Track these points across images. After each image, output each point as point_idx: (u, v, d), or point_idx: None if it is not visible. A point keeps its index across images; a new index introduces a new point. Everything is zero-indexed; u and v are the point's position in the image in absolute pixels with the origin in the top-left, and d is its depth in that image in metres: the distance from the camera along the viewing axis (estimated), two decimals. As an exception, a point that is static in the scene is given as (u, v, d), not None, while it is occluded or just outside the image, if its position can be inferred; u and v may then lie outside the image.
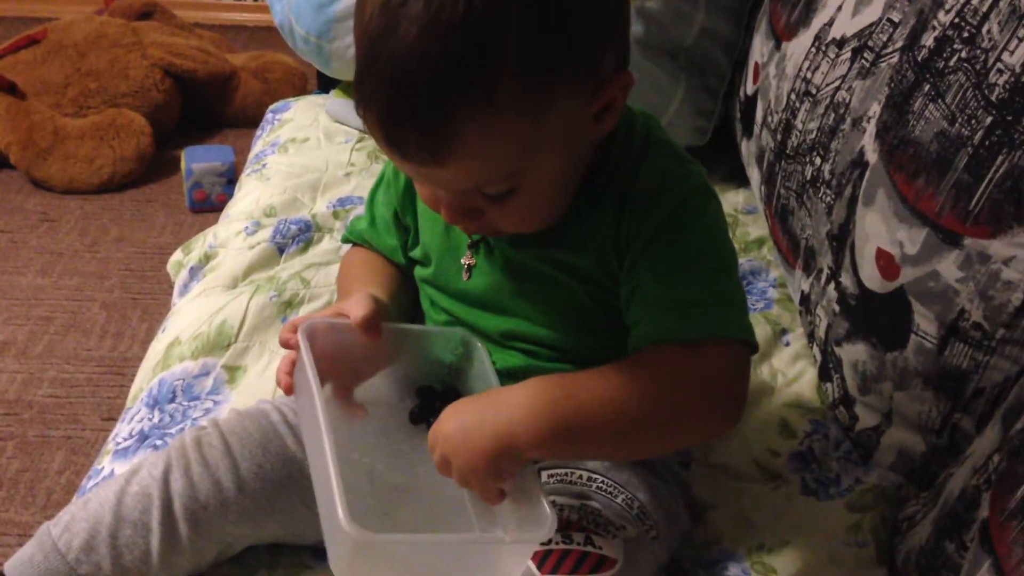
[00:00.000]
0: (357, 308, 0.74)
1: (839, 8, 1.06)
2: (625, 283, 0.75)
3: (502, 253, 0.79)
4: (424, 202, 0.75)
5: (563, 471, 0.81)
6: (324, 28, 1.46)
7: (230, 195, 2.10)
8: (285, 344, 0.75)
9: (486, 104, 0.62)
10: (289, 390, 0.75)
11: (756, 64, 1.28)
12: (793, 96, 1.12)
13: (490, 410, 0.68)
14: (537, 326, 0.79)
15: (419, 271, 0.87)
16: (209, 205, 2.23)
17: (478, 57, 0.61)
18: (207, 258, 1.21)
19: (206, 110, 2.57)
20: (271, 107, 1.67)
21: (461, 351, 0.79)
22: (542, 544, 0.72)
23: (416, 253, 0.87)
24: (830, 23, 1.08)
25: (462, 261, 0.81)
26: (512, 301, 0.79)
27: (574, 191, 0.75)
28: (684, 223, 0.73)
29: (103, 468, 0.92)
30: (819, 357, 1.03)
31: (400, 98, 0.62)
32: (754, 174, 1.28)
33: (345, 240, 0.95)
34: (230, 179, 2.21)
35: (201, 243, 1.24)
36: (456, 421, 0.67)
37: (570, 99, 0.66)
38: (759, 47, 1.28)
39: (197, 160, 2.21)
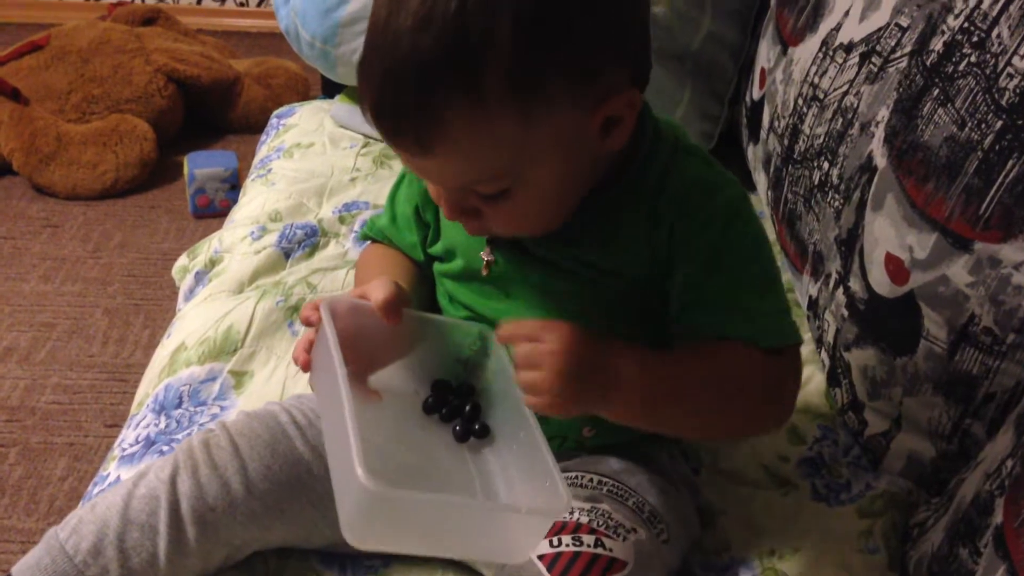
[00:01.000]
0: (378, 292, 0.74)
1: (846, 13, 1.06)
2: (682, 291, 0.76)
3: (524, 248, 0.79)
4: (432, 197, 0.76)
5: (573, 474, 0.80)
6: (330, 33, 1.46)
7: (233, 201, 2.10)
8: (306, 322, 0.75)
9: (472, 98, 0.62)
10: (307, 367, 0.75)
11: (762, 69, 1.28)
12: (800, 101, 1.12)
13: (605, 370, 0.69)
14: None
15: (439, 267, 0.87)
16: (212, 211, 2.22)
17: (466, 50, 0.62)
18: (212, 263, 1.20)
19: (209, 116, 2.57)
20: (276, 112, 1.67)
21: (479, 346, 0.79)
22: (552, 547, 0.71)
23: (437, 249, 0.87)
24: (837, 28, 1.08)
25: (481, 255, 0.81)
26: (534, 296, 0.79)
27: (580, 198, 0.75)
28: (738, 232, 0.75)
29: (109, 474, 0.91)
30: (827, 362, 1.03)
31: (392, 85, 0.63)
32: (760, 179, 1.27)
33: (364, 237, 0.95)
34: (233, 185, 2.21)
35: (206, 248, 1.24)
36: (574, 344, 0.68)
37: (564, 105, 0.66)
38: (765, 52, 1.28)
39: (200, 166, 2.21)
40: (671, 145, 0.77)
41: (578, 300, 0.78)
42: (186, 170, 2.23)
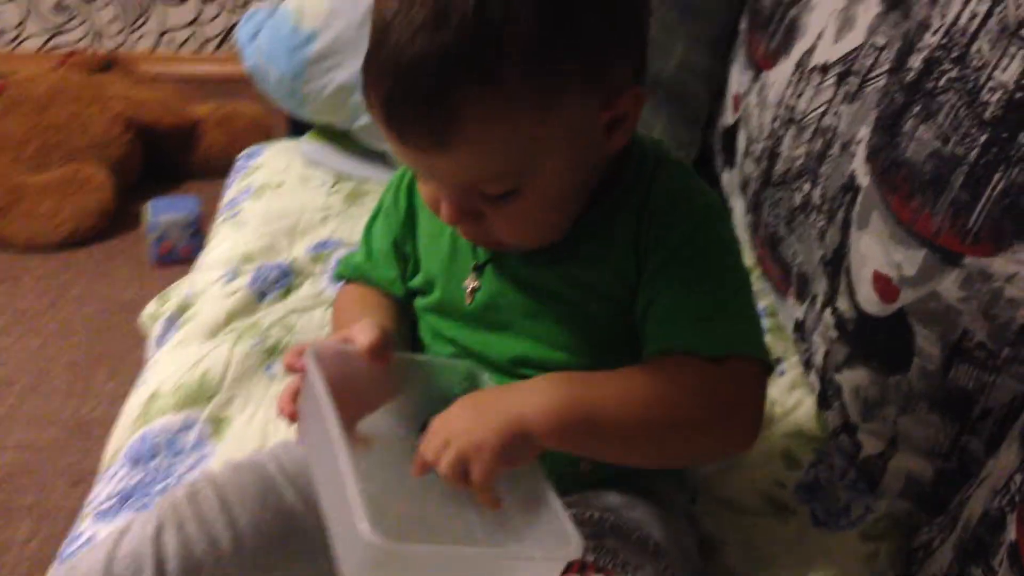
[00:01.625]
0: (364, 335, 0.72)
1: (820, 35, 1.07)
2: (642, 295, 0.74)
3: (513, 272, 0.77)
4: (426, 203, 0.74)
5: (574, 510, 0.77)
6: (299, 70, 1.45)
7: (196, 247, 2.05)
8: (290, 368, 0.73)
9: (489, 91, 0.62)
10: (293, 417, 0.73)
11: (735, 94, 1.28)
12: (777, 123, 1.12)
13: (505, 394, 0.68)
14: (551, 349, 0.76)
15: (420, 301, 0.85)
16: (175, 258, 2.18)
17: (485, 43, 0.61)
18: (183, 308, 1.17)
19: (169, 161, 2.53)
20: (243, 153, 1.64)
21: (468, 384, 0.76)
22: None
23: (417, 282, 0.85)
24: (811, 50, 1.08)
25: (465, 284, 0.79)
26: (524, 323, 0.77)
27: (579, 207, 0.74)
28: (704, 239, 0.73)
29: (83, 532, 0.87)
30: (817, 385, 1.02)
31: (405, 78, 0.62)
32: (738, 204, 1.27)
33: (340, 276, 0.92)
34: (195, 231, 2.18)
35: (177, 293, 1.21)
36: (467, 405, 0.67)
37: (578, 101, 0.66)
38: (737, 77, 1.28)
39: (161, 212, 2.17)
40: (655, 159, 0.76)
41: (568, 327, 0.76)
42: (147, 217, 2.19)
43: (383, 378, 0.74)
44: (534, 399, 0.67)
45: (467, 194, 0.69)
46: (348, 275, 0.90)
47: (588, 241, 0.75)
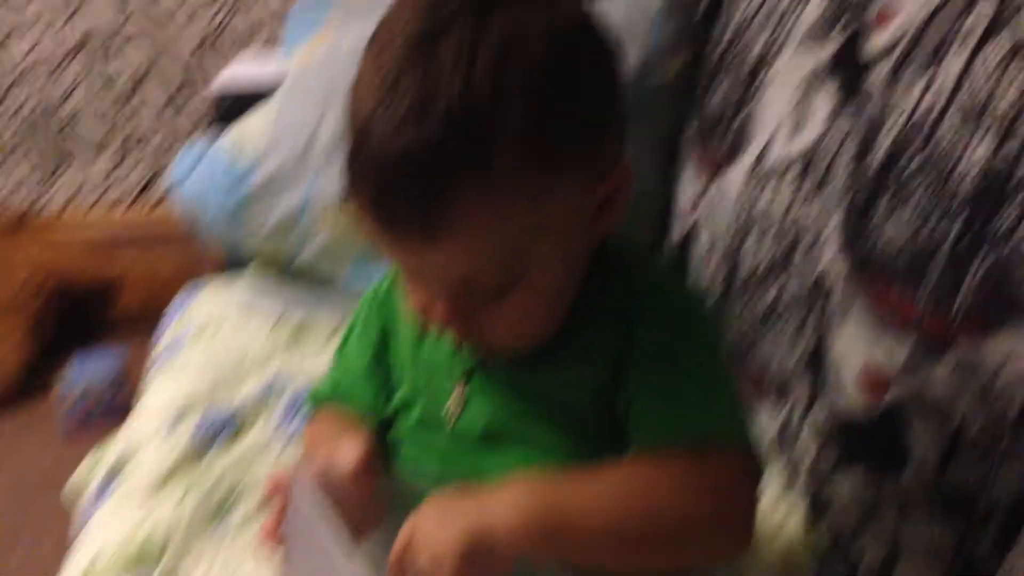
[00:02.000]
0: (350, 452, 0.69)
1: (774, 133, 1.07)
2: (622, 392, 0.71)
3: (500, 380, 0.74)
4: (416, 309, 0.70)
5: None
6: (238, 207, 1.41)
7: (120, 406, 1.95)
8: (273, 493, 0.70)
9: (482, 178, 0.60)
10: (279, 541, 0.69)
11: (688, 202, 1.27)
12: (736, 227, 1.11)
13: (470, 500, 0.64)
14: (545, 456, 0.72)
15: (400, 424, 0.80)
16: (97, 417, 2.07)
17: (475, 129, 0.59)
18: (120, 464, 1.08)
19: (88, 319, 2.44)
20: (179, 295, 1.57)
21: None
22: None
23: (397, 398, 0.80)
24: (767, 148, 1.08)
25: (450, 399, 0.75)
26: (515, 432, 0.73)
27: (568, 302, 0.71)
28: (684, 330, 0.72)
29: None
30: (806, 493, 0.98)
31: (392, 175, 0.60)
32: (699, 315, 1.25)
33: (313, 399, 0.87)
34: (119, 389, 2.09)
35: (112, 448, 1.12)
36: (435, 507, 0.64)
37: (571, 183, 0.65)
38: (688, 186, 1.28)
39: (83, 368, 2.08)
40: (630, 253, 0.76)
41: (561, 432, 0.73)
42: (67, 375, 2.09)
43: (369, 503, 0.70)
44: (502, 509, 0.63)
45: (461, 291, 0.66)
46: (323, 398, 0.86)
47: (572, 343, 0.72)
